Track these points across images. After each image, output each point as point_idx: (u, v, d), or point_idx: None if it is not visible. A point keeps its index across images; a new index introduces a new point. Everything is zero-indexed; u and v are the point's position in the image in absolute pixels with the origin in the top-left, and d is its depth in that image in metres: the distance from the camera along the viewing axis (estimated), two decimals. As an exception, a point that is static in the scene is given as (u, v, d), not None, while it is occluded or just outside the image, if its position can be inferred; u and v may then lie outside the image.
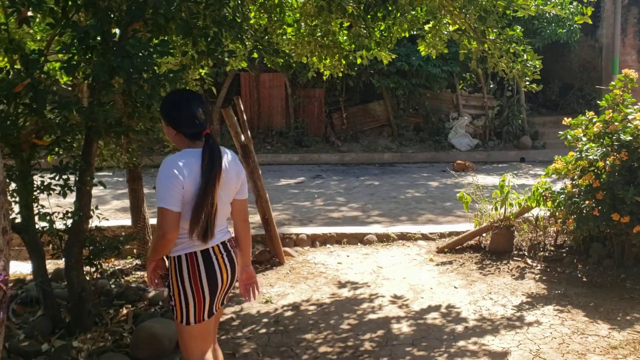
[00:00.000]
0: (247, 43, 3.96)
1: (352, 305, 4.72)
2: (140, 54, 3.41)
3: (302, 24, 5.71)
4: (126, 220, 5.83)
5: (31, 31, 4.18)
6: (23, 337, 3.99)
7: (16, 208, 3.99)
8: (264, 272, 5.46)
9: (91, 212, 4.08)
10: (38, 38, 4.32)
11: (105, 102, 3.70)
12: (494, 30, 4.80)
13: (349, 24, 5.43)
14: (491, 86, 13.71)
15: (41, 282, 4.09)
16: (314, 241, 6.39)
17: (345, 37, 5.46)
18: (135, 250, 5.56)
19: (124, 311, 4.46)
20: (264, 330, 4.28)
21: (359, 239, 6.51)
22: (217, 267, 2.57)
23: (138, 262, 5.61)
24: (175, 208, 2.41)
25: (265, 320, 4.45)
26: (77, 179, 4.00)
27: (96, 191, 9.11)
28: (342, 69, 5.63)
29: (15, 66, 3.83)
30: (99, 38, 3.46)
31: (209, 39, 3.69)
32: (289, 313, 4.58)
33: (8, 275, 1.91)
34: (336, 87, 13.59)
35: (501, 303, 4.62)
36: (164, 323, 3.96)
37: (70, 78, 4.47)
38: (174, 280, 2.54)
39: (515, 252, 5.82)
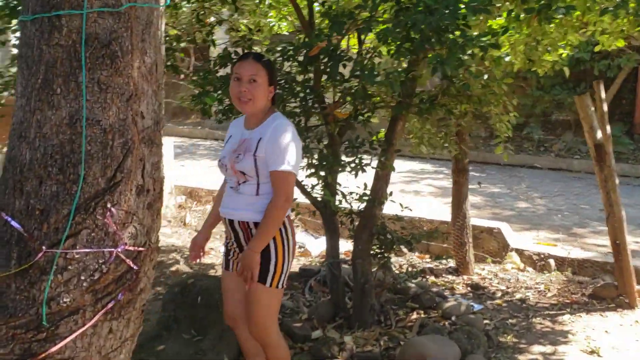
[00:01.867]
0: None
1: None
2: (444, 10, 2.74)
3: None
4: (446, 216, 5.22)
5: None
6: (304, 317, 3.81)
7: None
8: (602, 312, 4.17)
9: (385, 198, 3.62)
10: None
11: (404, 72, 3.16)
12: None
13: None
14: None
15: (331, 263, 3.84)
16: (693, 286, 4.67)
17: None
18: (452, 252, 4.92)
19: (413, 316, 3.90)
20: (576, 390, 3.17)
21: None
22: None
23: (453, 264, 4.96)
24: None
25: (583, 376, 3.31)
26: (377, 159, 3.59)
27: (441, 183, 8.76)
28: None
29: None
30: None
31: (543, -8, 2.76)
32: (620, 377, 3.32)
33: (149, 247, 1.52)
34: None
35: None
36: (444, 345, 3.25)
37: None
38: (280, 244, 2.45)
39: None
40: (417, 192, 8.07)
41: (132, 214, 1.42)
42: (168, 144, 6.38)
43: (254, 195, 2.44)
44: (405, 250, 5.29)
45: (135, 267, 1.44)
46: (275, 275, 2.42)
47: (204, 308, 3.28)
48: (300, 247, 5.44)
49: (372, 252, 3.71)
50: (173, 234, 5.82)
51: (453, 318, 3.80)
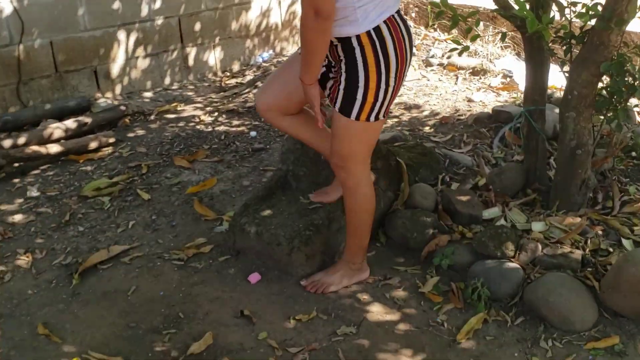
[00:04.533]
0: None
1: None
2: None
3: None
4: None
5: None
6: (482, 183, 2.72)
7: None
8: None
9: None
10: None
11: None
12: None
13: None
14: None
15: (529, 111, 2.60)
16: None
17: None
18: None
19: (654, 200, 2.55)
20: None
21: None
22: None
23: None
24: None
25: None
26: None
27: None
28: None
29: None
30: None
31: None
32: None
33: None
34: None
35: None
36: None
37: None
38: (373, 63, 1.76)
39: None
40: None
41: None
42: None
43: None
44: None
45: None
46: (365, 106, 1.83)
47: (327, 167, 2.38)
48: (507, 75, 4.11)
49: (596, 100, 2.36)
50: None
51: None
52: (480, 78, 4.14)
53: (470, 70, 4.23)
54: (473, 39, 2.30)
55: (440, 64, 4.43)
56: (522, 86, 3.86)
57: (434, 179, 2.79)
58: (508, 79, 4.04)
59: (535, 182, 2.64)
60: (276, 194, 2.48)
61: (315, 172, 2.46)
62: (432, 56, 4.53)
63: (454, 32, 4.89)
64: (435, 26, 5.05)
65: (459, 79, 4.16)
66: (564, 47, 2.41)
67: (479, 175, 2.82)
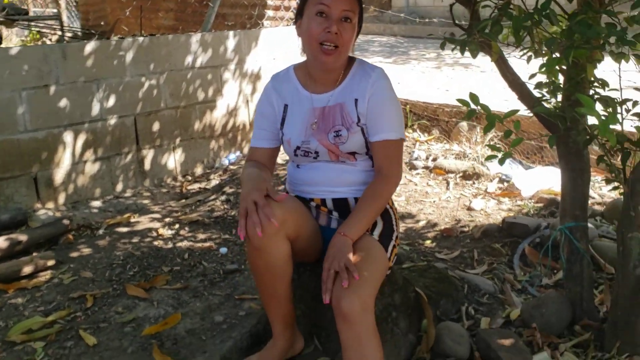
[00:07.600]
0: None
1: None
2: None
3: None
4: None
5: None
6: (515, 315, 2.21)
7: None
8: None
9: None
10: None
11: None
12: None
13: None
14: None
15: (569, 227, 2.16)
16: None
17: None
18: None
19: None
20: None
21: None
22: None
23: None
24: None
25: None
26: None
27: None
28: None
29: None
30: None
31: None
32: None
33: None
34: None
35: None
36: None
37: None
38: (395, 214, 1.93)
39: None
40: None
41: None
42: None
43: None
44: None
45: None
46: (392, 250, 1.84)
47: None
48: (504, 180, 3.73)
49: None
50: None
51: None
52: (474, 183, 3.75)
53: (461, 174, 3.84)
54: (514, 144, 1.88)
55: (426, 167, 4.04)
56: (524, 192, 3.50)
57: (455, 311, 2.28)
58: (506, 184, 3.65)
59: (584, 317, 2.15)
60: (265, 343, 1.89)
61: (318, 312, 1.90)
62: (416, 158, 4.15)
63: (436, 132, 4.57)
64: (414, 126, 4.72)
65: (450, 184, 3.76)
66: (613, 153, 2.02)
67: (507, 305, 2.33)
